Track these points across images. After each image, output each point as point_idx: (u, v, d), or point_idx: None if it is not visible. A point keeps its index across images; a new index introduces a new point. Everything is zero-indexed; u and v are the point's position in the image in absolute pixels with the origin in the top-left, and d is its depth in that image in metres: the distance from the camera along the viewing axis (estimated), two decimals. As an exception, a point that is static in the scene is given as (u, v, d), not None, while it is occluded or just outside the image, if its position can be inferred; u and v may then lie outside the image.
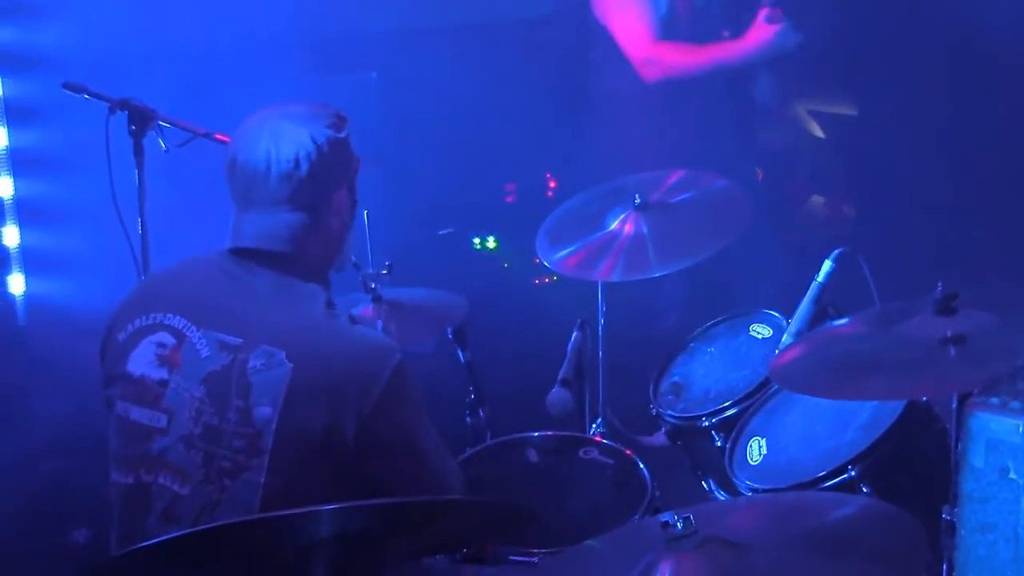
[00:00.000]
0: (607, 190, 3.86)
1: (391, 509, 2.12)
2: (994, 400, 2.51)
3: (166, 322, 2.62)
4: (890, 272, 3.46)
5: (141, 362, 2.61)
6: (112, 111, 3.77)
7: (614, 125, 4.84)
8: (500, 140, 5.03)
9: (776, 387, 3.36)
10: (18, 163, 4.92)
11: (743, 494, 3.19)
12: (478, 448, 3.40)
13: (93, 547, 4.26)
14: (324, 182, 2.64)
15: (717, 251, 3.57)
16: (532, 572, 2.80)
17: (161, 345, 2.60)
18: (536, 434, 3.35)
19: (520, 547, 2.82)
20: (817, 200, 5.52)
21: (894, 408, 3.05)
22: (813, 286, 3.40)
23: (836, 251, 3.41)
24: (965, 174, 4.87)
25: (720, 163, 4.18)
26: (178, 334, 2.60)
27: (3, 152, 4.88)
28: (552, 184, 5.43)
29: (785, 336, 3.41)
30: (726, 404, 3.43)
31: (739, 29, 4.70)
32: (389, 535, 2.13)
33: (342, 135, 2.68)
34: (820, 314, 3.37)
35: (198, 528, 2.32)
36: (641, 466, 3.15)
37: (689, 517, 2.14)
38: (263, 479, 2.49)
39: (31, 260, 5.00)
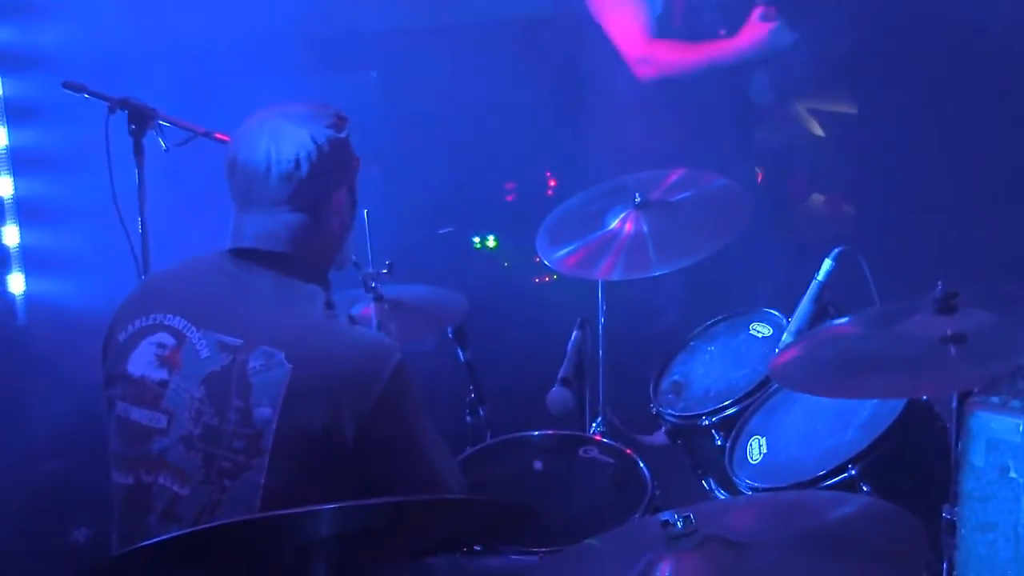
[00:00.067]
0: (607, 189, 3.86)
1: (391, 509, 2.12)
2: (994, 399, 2.51)
3: (166, 323, 2.62)
4: (890, 271, 3.46)
5: (141, 363, 2.61)
6: (112, 110, 3.77)
7: (614, 124, 4.84)
8: (500, 139, 5.03)
9: (776, 386, 3.36)
10: (18, 162, 4.92)
11: (743, 493, 3.19)
12: (478, 447, 3.40)
13: (93, 547, 4.26)
14: (324, 182, 2.65)
15: (717, 250, 3.57)
16: (532, 571, 2.80)
17: (161, 346, 2.60)
18: (536, 433, 3.35)
19: (520, 546, 2.82)
20: (817, 199, 5.52)
21: (894, 407, 3.05)
22: (813, 285, 3.40)
23: (836, 250, 3.41)
24: (965, 173, 4.87)
25: (720, 162, 4.18)
26: (178, 335, 2.60)
27: (3, 151, 4.88)
28: (552, 183, 5.43)
29: (785, 335, 3.40)
30: (726, 403, 3.43)
31: (735, 27, 4.70)
32: (389, 535, 2.13)
33: (342, 135, 2.68)
34: (820, 313, 3.37)
35: (198, 527, 2.32)
36: (641, 465, 3.15)
37: (689, 516, 2.14)
38: (263, 479, 2.49)
39: (31, 259, 5.00)
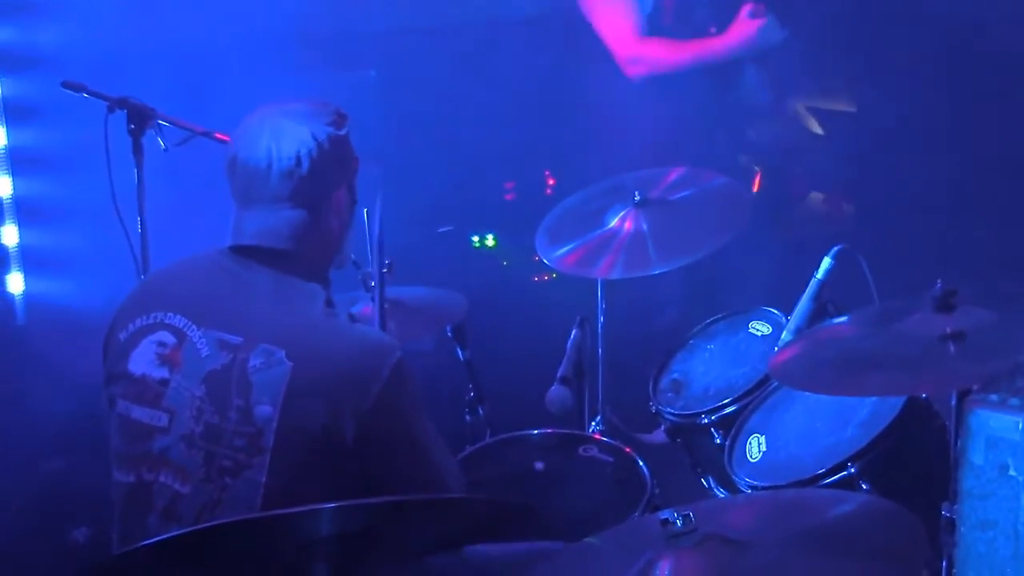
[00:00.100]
0: (606, 187, 3.86)
1: (391, 508, 2.12)
2: (993, 397, 2.51)
3: (167, 321, 2.62)
4: (889, 269, 3.47)
5: (142, 361, 2.61)
6: (111, 110, 3.77)
7: (614, 123, 4.84)
8: (499, 138, 5.03)
9: (775, 384, 3.37)
10: (17, 162, 4.92)
11: (742, 491, 3.19)
12: (478, 446, 3.40)
13: (93, 546, 4.26)
14: (325, 179, 2.65)
15: (717, 248, 3.57)
16: (532, 570, 2.80)
17: (162, 344, 2.60)
18: (536, 432, 3.35)
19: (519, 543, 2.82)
20: (816, 197, 5.51)
21: (894, 405, 3.05)
22: (812, 283, 3.40)
23: (835, 248, 3.41)
24: (964, 171, 4.87)
25: (719, 161, 4.18)
26: (179, 333, 2.60)
27: (2, 151, 4.88)
28: (551, 182, 5.43)
29: (784, 333, 3.41)
30: (725, 401, 3.43)
31: (726, 25, 4.70)
32: (389, 534, 2.13)
33: (342, 132, 2.69)
34: (819, 311, 3.37)
35: (198, 527, 2.31)
36: (641, 463, 3.15)
37: (689, 514, 2.14)
38: (264, 478, 2.49)
39: (30, 259, 5.00)
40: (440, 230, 5.38)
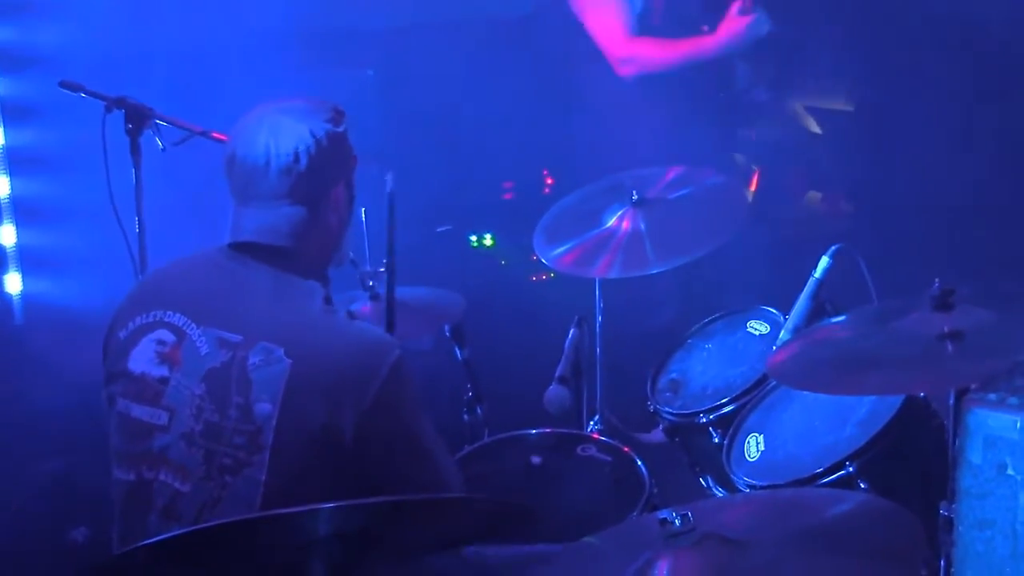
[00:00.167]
0: (604, 187, 3.86)
1: (390, 507, 2.12)
2: (992, 396, 2.51)
3: (166, 319, 2.62)
4: (887, 268, 3.47)
5: (142, 360, 2.62)
6: (108, 109, 3.77)
7: (612, 122, 4.84)
8: (497, 137, 5.03)
9: (774, 383, 3.37)
10: (15, 162, 4.92)
11: (741, 491, 3.19)
12: (476, 446, 3.40)
13: (92, 546, 4.26)
14: (323, 176, 2.65)
15: (715, 248, 3.57)
16: (531, 570, 2.80)
17: (161, 342, 2.61)
18: (534, 432, 3.35)
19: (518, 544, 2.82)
20: (814, 196, 5.51)
21: (892, 404, 3.05)
22: (810, 282, 3.40)
23: (833, 247, 3.41)
24: (963, 171, 4.87)
25: (717, 160, 4.18)
26: (178, 331, 2.60)
27: (0, 151, 4.88)
28: (549, 181, 5.43)
29: (782, 332, 3.41)
30: (724, 401, 3.43)
31: (716, 24, 4.72)
32: (388, 533, 2.13)
33: (340, 129, 2.69)
34: (817, 310, 3.37)
35: (196, 527, 2.31)
36: (639, 463, 3.15)
37: (687, 514, 2.14)
38: (264, 476, 2.49)
39: (28, 259, 5.01)
40: (438, 230, 5.38)
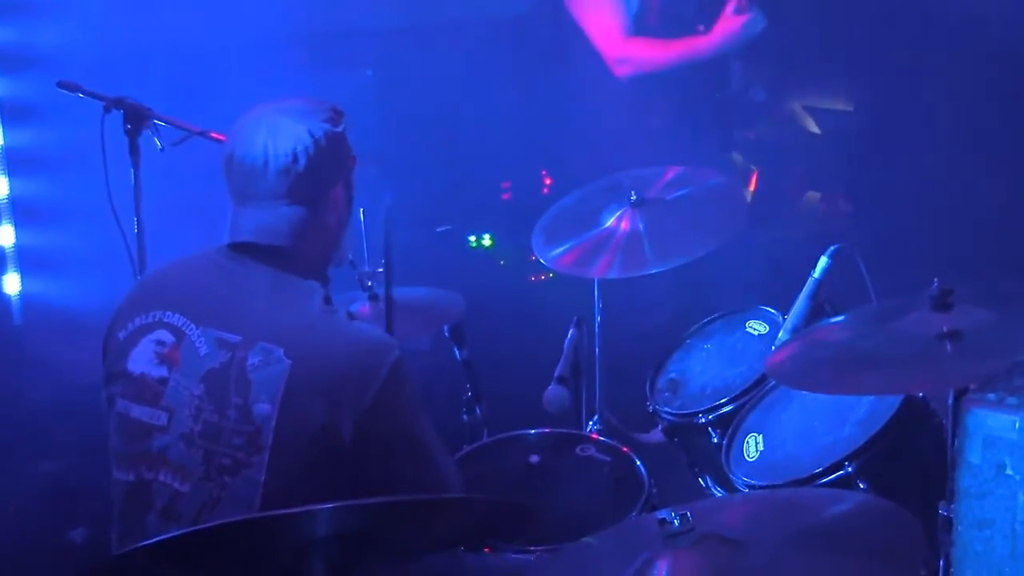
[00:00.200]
0: (603, 187, 3.86)
1: (390, 507, 2.12)
2: (991, 396, 2.51)
3: (165, 320, 2.62)
4: (886, 268, 3.46)
5: (141, 360, 2.62)
6: (107, 110, 3.77)
7: (611, 122, 4.84)
8: (496, 137, 5.03)
9: (772, 383, 3.37)
10: (13, 162, 4.92)
11: (740, 490, 3.19)
12: (475, 446, 3.40)
13: (91, 547, 4.26)
14: (322, 176, 2.65)
15: (714, 248, 3.57)
16: (530, 569, 2.80)
17: (160, 343, 2.61)
18: (533, 432, 3.35)
19: (518, 544, 2.82)
20: (813, 196, 5.52)
21: (891, 404, 3.05)
22: (809, 282, 3.40)
23: (832, 247, 3.41)
24: (963, 170, 4.87)
25: (715, 160, 4.18)
26: (177, 332, 2.60)
27: (-1, 151, 4.89)
28: (548, 181, 5.42)
29: (781, 332, 3.41)
30: (723, 401, 3.43)
31: (712, 23, 4.72)
32: (388, 533, 2.13)
33: (339, 129, 2.69)
34: (816, 310, 3.37)
35: (196, 528, 2.32)
36: (638, 463, 3.15)
37: (686, 514, 2.14)
38: (263, 476, 2.50)
39: (27, 259, 5.01)
40: (437, 230, 5.38)
